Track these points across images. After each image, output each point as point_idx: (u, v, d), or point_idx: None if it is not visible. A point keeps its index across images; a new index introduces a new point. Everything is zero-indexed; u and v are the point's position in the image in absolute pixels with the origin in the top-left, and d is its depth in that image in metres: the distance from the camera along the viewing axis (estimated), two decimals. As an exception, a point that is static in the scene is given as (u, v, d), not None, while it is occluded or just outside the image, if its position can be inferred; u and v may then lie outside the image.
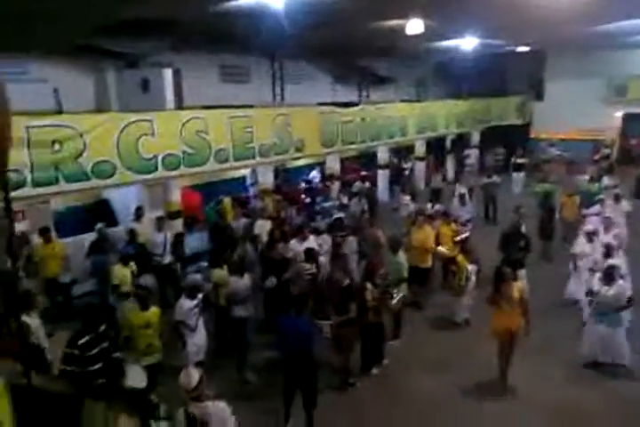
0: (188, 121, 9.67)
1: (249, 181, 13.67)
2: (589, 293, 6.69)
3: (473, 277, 7.87)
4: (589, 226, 8.97)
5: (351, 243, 8.82)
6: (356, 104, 15.26)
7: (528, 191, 13.54)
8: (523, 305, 6.14)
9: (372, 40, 14.22)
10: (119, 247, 8.40)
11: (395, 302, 6.71)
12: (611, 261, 6.78)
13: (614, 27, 12.64)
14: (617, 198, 10.86)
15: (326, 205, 11.42)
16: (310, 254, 7.74)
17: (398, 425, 5.81)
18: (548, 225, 10.86)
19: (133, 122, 8.80)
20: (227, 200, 11.42)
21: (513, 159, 17.62)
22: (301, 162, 14.80)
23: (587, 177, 14.19)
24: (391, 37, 13.18)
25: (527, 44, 18.35)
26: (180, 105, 10.31)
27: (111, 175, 8.52)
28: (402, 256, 7.69)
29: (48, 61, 9.83)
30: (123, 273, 7.28)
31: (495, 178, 14.21)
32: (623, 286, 6.49)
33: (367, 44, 14.92)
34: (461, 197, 11.67)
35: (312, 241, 8.42)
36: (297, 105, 13.36)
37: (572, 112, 20.17)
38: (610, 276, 6.45)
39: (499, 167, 17.94)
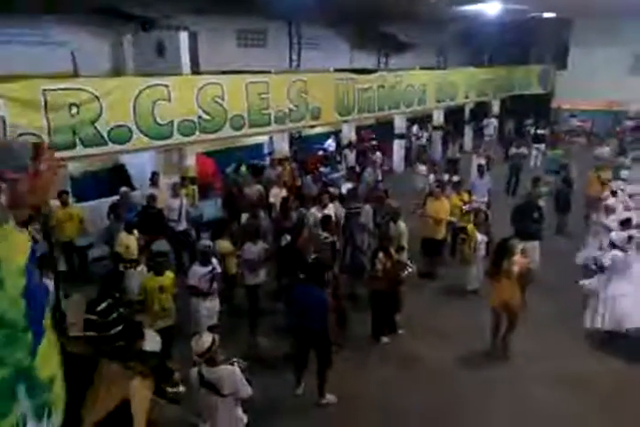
0: (204, 86, 9.57)
1: (267, 149, 13.60)
2: (595, 261, 6.80)
3: (482, 248, 7.88)
4: (610, 200, 8.83)
5: (367, 212, 8.80)
6: (375, 71, 14.95)
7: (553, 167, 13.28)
8: (522, 280, 6.23)
9: (394, 4, 13.79)
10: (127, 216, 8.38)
11: (405, 273, 6.74)
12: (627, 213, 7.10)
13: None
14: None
15: (335, 175, 11.33)
16: (327, 222, 7.74)
17: (402, 390, 5.93)
18: (565, 197, 10.67)
19: (149, 86, 8.73)
20: (243, 167, 11.40)
21: (533, 130, 17.27)
22: (317, 130, 14.65)
23: (607, 149, 13.92)
24: (413, 2, 12.78)
25: (553, 11, 17.65)
26: (195, 70, 10.19)
27: (127, 140, 8.52)
28: (402, 225, 7.74)
29: (66, 24, 9.70)
30: (127, 241, 7.20)
31: (523, 149, 13.97)
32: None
33: (388, 8, 14.48)
34: (479, 167, 11.50)
35: (331, 208, 8.42)
36: (314, 71, 13.12)
37: (597, 82, 19.55)
38: (627, 225, 7.01)
39: (526, 138, 17.57)
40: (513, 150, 13.95)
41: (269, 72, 11.41)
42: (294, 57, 14.68)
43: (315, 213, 8.31)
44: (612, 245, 6.93)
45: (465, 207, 9.18)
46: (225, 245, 7.09)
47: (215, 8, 11.64)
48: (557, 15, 18.56)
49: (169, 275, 5.98)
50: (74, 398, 2.52)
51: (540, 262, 8.13)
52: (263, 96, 10.79)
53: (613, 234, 7.24)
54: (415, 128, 17.90)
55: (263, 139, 12.93)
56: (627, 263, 6.61)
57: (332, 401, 5.66)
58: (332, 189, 9.49)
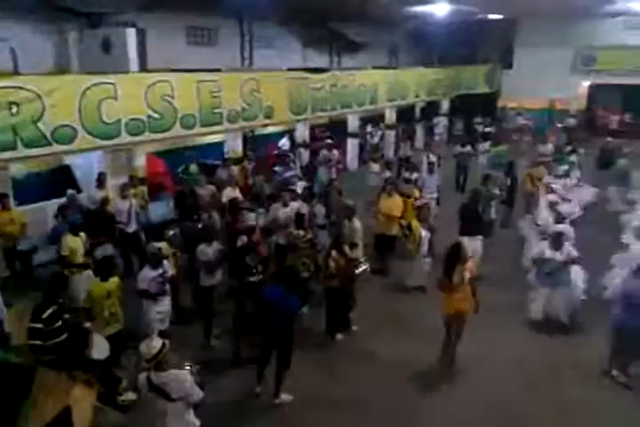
0: (153, 84, 9.38)
1: (226, 148, 13.37)
2: (536, 259, 7.01)
3: (425, 244, 8.05)
4: (551, 196, 9.20)
5: (320, 211, 8.85)
6: (328, 70, 15.02)
7: (495, 160, 13.78)
8: (473, 285, 6.11)
9: (345, 4, 13.90)
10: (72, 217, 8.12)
11: (359, 271, 6.82)
12: (559, 227, 7.16)
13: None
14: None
15: (288, 174, 11.34)
16: (302, 220, 7.73)
17: (359, 387, 6.01)
18: (509, 193, 11.15)
19: (95, 84, 8.49)
20: (193, 167, 11.23)
21: (481, 128, 17.79)
22: (271, 129, 14.59)
23: (550, 146, 14.52)
24: (364, 2, 12.92)
25: (499, 12, 18.22)
26: (144, 67, 9.96)
27: (72, 140, 8.26)
28: (356, 223, 7.83)
29: (5, 20, 9.29)
30: (73, 244, 6.96)
31: (468, 147, 14.38)
32: (571, 251, 6.91)
33: (340, 7, 14.58)
34: (430, 165, 11.76)
35: (294, 207, 8.37)
36: (266, 70, 13.07)
37: (540, 81, 20.35)
38: (557, 241, 6.85)
39: (474, 136, 18.07)
40: (458, 149, 14.32)
41: (220, 70, 11.28)
42: (246, 55, 14.56)
43: (276, 210, 8.29)
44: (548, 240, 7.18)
45: (416, 203, 9.36)
46: (162, 247, 6.85)
47: (164, 4, 11.42)
48: (503, 16, 19.17)
49: (114, 280, 5.83)
50: (8, 409, 2.43)
51: (485, 257, 8.46)
52: (215, 95, 10.67)
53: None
54: (369, 127, 18.10)
55: (222, 137, 12.72)
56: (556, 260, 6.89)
57: (287, 401, 5.67)
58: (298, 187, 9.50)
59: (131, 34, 9.82)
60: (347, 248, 6.84)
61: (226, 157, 12.31)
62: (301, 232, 7.60)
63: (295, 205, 8.33)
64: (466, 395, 5.86)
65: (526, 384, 6.06)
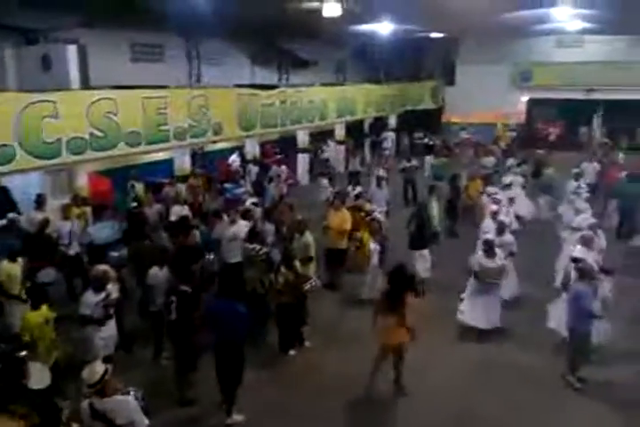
0: (95, 102, 9.22)
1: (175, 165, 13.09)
2: (473, 267, 7.23)
3: (375, 256, 8.15)
4: (493, 206, 9.52)
5: (268, 227, 8.81)
6: (276, 87, 15.14)
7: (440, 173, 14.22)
8: (412, 315, 5.76)
9: (292, 21, 14.09)
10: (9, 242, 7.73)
11: (307, 286, 6.82)
12: (488, 237, 7.46)
13: (521, 15, 13.30)
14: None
15: (238, 191, 11.30)
16: (255, 235, 7.67)
17: (312, 403, 5.98)
18: (453, 204, 11.64)
19: (33, 103, 8.27)
20: (138, 186, 10.98)
21: (425, 142, 18.32)
22: (221, 145, 14.52)
23: (492, 159, 15.10)
24: (310, 19, 13.13)
25: (440, 31, 18.92)
26: (85, 84, 9.73)
27: (10, 160, 7.99)
28: (308, 236, 7.89)
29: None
30: (9, 270, 6.60)
31: (414, 162, 14.77)
32: (503, 259, 7.22)
33: (287, 24, 14.76)
34: (379, 179, 11.98)
35: (241, 225, 8.27)
36: (214, 86, 13.04)
37: (482, 97, 21.18)
38: (490, 250, 7.10)
39: (418, 150, 18.55)
40: (405, 163, 14.68)
41: (167, 87, 11.18)
42: (194, 72, 14.48)
43: (222, 228, 8.19)
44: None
45: (370, 216, 9.45)
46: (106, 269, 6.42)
47: (107, 21, 11.23)
48: (444, 35, 19.91)
49: (46, 307, 5.62)
50: None
51: (431, 268, 8.72)
52: (161, 111, 10.56)
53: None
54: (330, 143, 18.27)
55: (170, 154, 12.49)
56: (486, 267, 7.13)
57: (238, 421, 5.57)
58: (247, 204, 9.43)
59: (71, 50, 9.60)
60: (297, 264, 6.83)
61: (175, 174, 12.15)
62: (257, 246, 7.50)
63: (243, 222, 8.27)
64: (419, 404, 5.92)
65: (477, 388, 6.20)
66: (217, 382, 5.63)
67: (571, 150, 18.93)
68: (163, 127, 10.61)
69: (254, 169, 14.00)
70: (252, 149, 15.19)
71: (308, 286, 6.81)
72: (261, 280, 7.10)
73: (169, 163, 12.76)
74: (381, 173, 12.80)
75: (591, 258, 7.11)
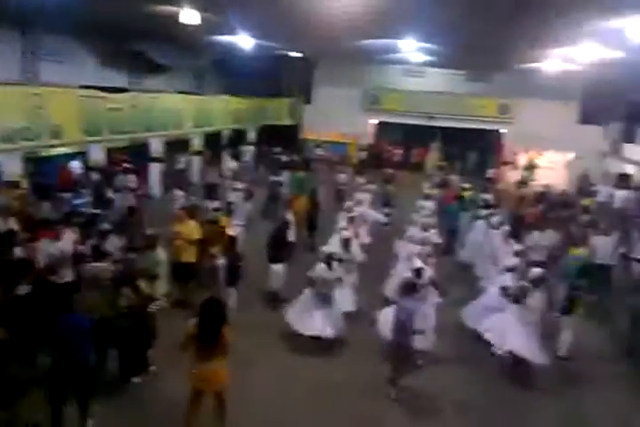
0: None
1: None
2: (311, 278, 7.49)
3: (221, 272, 7.97)
4: (342, 222, 9.87)
5: (114, 242, 8.10)
6: (127, 90, 14.23)
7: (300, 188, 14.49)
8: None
9: (148, 24, 13.43)
10: None
11: (153, 308, 6.33)
12: (331, 250, 7.80)
13: (371, 43, 14.19)
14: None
15: (80, 201, 10.32)
16: (100, 251, 7.02)
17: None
18: (311, 217, 11.93)
19: None
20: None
21: (283, 158, 18.58)
22: (60, 150, 13.15)
23: (344, 175, 15.84)
24: (167, 24, 12.63)
25: (298, 51, 19.48)
26: None
27: None
28: (160, 253, 7.55)
29: None
30: None
31: (281, 177, 14.86)
32: (340, 270, 7.55)
33: (142, 26, 14.03)
34: (245, 193, 11.75)
35: (68, 240, 7.48)
36: (54, 85, 11.82)
37: (336, 117, 22.27)
38: (328, 261, 7.40)
39: (277, 165, 18.69)
40: (272, 177, 14.75)
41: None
42: (29, 69, 13.01)
43: (46, 245, 7.31)
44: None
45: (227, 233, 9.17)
46: None
47: None
48: (303, 55, 20.53)
49: None
50: None
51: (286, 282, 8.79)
52: (-14, 110, 9.27)
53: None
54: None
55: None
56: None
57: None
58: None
59: None
60: (143, 283, 6.32)
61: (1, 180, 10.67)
62: (104, 264, 6.78)
63: (69, 237, 7.48)
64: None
65: (313, 404, 6.24)
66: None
67: (410, 170, 20.66)
68: (-14, 127, 9.31)
69: (97, 177, 12.86)
70: (98, 156, 14.00)
71: (153, 308, 6.30)
72: (111, 302, 6.42)
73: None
74: (240, 186, 12.59)
75: (428, 272, 7.70)
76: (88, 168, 13.47)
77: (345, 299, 8.13)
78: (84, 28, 13.83)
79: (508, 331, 7.06)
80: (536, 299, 7.14)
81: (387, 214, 13.23)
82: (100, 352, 5.86)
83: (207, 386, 5.14)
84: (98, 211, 9.31)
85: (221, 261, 7.97)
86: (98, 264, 6.74)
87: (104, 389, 5.98)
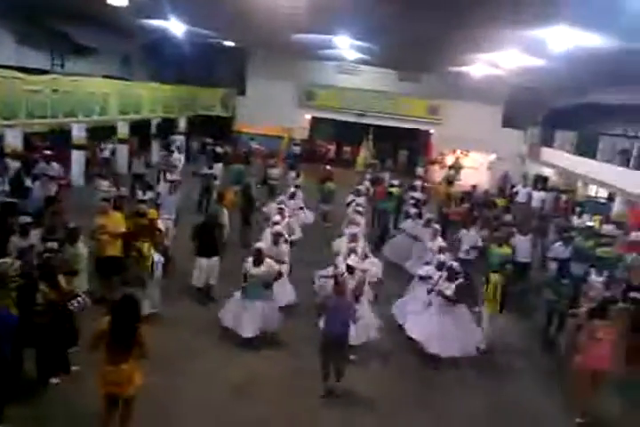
0: None
1: None
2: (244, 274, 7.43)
3: (159, 268, 7.67)
4: (276, 217, 9.78)
5: (34, 234, 7.56)
6: (47, 72, 13.34)
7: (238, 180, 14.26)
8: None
9: (72, 3, 12.66)
10: None
11: (74, 305, 5.95)
12: (259, 245, 7.65)
13: (307, 38, 14.14)
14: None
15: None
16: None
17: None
18: (246, 212, 11.71)
19: None
20: None
21: (215, 149, 18.17)
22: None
23: (278, 170, 15.74)
24: (94, 4, 11.95)
25: (232, 40, 19.08)
26: None
27: None
28: (80, 247, 7.22)
29: None
30: None
31: (214, 169, 14.46)
32: (272, 266, 7.46)
33: (66, 6, 13.20)
34: (172, 184, 11.26)
35: None
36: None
37: (270, 110, 22.07)
38: (257, 258, 7.34)
39: (209, 156, 18.25)
40: (205, 170, 14.34)
41: None
42: None
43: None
44: None
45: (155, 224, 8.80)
46: None
47: None
48: (237, 45, 20.12)
49: None
50: None
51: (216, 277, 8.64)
52: None
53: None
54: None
55: None
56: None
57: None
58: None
59: None
60: (62, 279, 5.94)
61: None
62: (7, 260, 6.28)
63: None
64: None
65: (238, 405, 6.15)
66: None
67: (342, 166, 20.92)
68: None
69: (14, 164, 11.98)
70: (14, 141, 13.03)
71: (74, 305, 5.91)
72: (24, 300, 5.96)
73: None
74: (174, 177, 12.11)
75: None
76: (4, 154, 12.52)
77: (282, 292, 8.12)
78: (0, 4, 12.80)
79: (430, 327, 7.40)
80: (451, 291, 7.42)
81: (325, 212, 13.39)
82: (16, 352, 5.45)
83: (118, 389, 4.71)
84: (14, 200, 8.62)
85: (157, 257, 7.62)
86: (1, 261, 6.23)
87: (20, 391, 5.60)
